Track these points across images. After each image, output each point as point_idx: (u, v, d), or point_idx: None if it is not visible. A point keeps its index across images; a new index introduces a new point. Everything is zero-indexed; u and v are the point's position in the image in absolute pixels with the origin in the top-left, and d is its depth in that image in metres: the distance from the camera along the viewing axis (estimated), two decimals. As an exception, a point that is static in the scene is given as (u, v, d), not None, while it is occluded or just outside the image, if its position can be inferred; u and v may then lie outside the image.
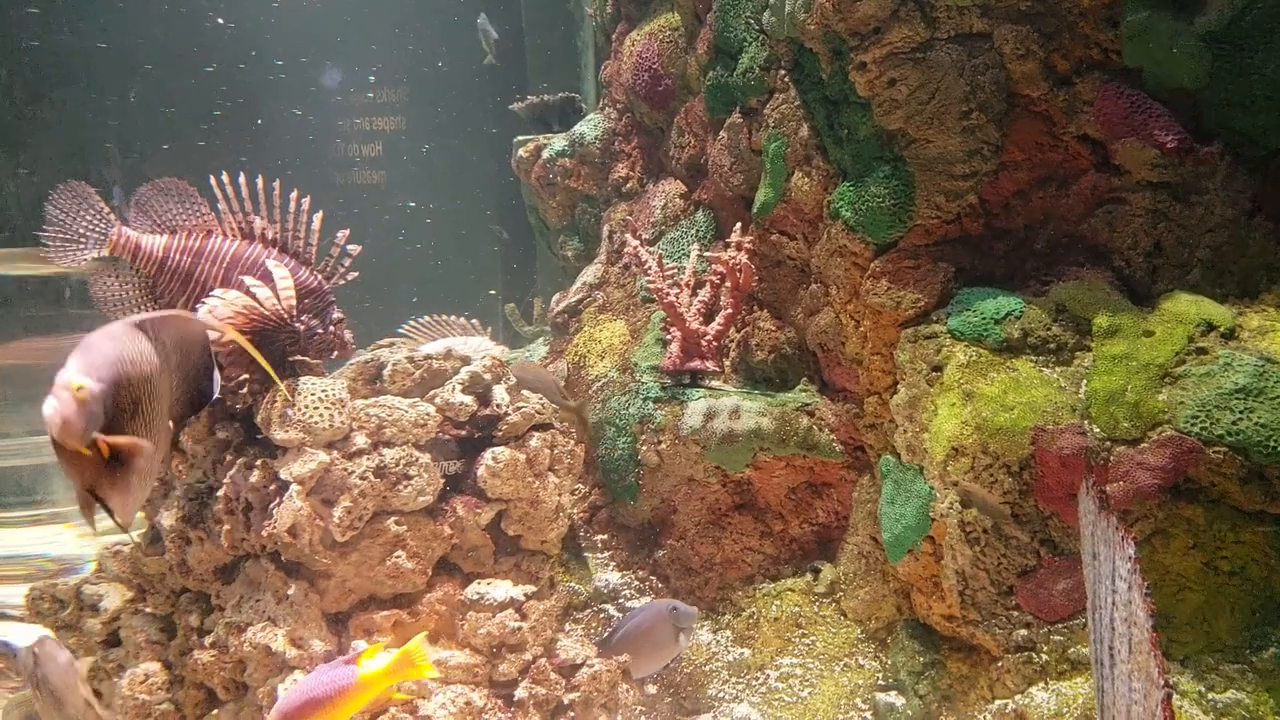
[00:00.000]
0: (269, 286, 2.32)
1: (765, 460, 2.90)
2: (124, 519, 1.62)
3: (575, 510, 3.18)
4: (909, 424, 2.49)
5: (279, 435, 2.27)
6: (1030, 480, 2.22)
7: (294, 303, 2.34)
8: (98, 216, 2.37)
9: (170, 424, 1.71)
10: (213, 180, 2.40)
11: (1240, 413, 2.09)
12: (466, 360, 2.65)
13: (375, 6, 6.68)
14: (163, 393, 1.66)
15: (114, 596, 2.63)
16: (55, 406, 1.46)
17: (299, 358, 2.43)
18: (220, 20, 6.06)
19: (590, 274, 3.93)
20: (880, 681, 2.64)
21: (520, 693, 2.36)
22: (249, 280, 2.32)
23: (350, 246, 2.49)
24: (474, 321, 3.33)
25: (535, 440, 2.56)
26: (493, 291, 6.34)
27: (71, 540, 4.81)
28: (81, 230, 2.37)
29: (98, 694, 2.53)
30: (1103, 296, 2.38)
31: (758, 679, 2.72)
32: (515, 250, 6.72)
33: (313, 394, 2.32)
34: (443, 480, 2.43)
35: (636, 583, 3.03)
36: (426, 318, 4.00)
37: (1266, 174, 2.39)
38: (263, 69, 6.28)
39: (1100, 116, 2.44)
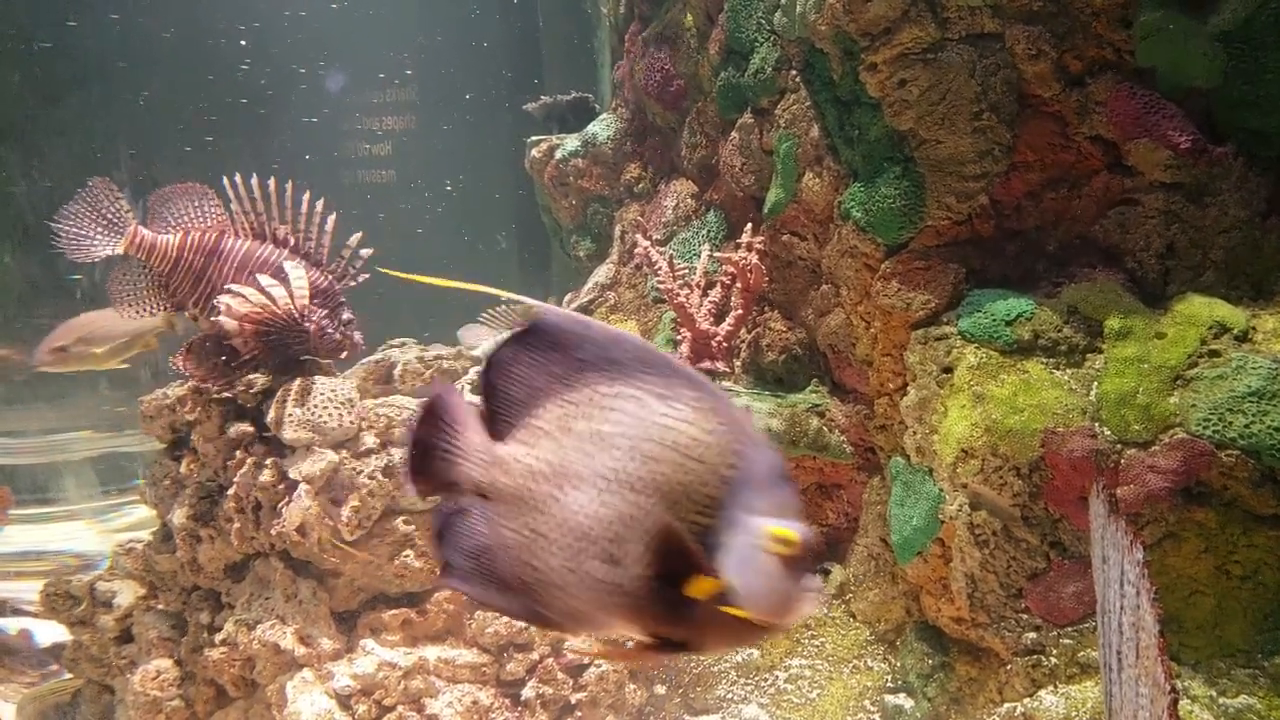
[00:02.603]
0: (284, 286, 2.34)
1: (775, 461, 2.90)
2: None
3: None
4: (919, 425, 2.48)
5: (288, 435, 2.28)
6: (1040, 483, 2.21)
7: (307, 302, 2.36)
8: (116, 215, 2.39)
9: None
10: (225, 181, 2.42)
11: (1253, 416, 2.07)
12: (476, 360, 2.66)
13: (391, 9, 6.70)
14: None
15: (127, 593, 2.66)
16: None
17: (309, 357, 2.45)
18: (243, 42, 6.09)
19: (602, 274, 3.93)
20: (889, 684, 2.63)
21: (527, 692, 2.37)
22: (264, 279, 2.34)
23: (363, 250, 2.51)
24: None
25: (544, 440, 2.56)
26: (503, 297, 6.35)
27: (92, 537, 4.85)
28: (98, 228, 2.40)
29: None
30: (1114, 298, 2.36)
31: (766, 680, 2.72)
32: (516, 255, 6.73)
33: (322, 394, 2.33)
34: (451, 480, 2.43)
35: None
36: (502, 306, 4.05)
37: (1281, 175, 2.37)
38: (278, 72, 6.31)
39: (1113, 117, 2.43)
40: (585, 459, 1.00)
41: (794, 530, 0.93)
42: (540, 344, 1.04)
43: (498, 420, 1.07)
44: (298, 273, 2.37)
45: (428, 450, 1.07)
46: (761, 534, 0.93)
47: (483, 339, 4.39)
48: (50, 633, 3.27)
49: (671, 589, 0.95)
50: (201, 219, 2.43)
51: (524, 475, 1.02)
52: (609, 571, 0.97)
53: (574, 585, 0.99)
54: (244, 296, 2.30)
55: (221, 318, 2.27)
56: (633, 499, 0.97)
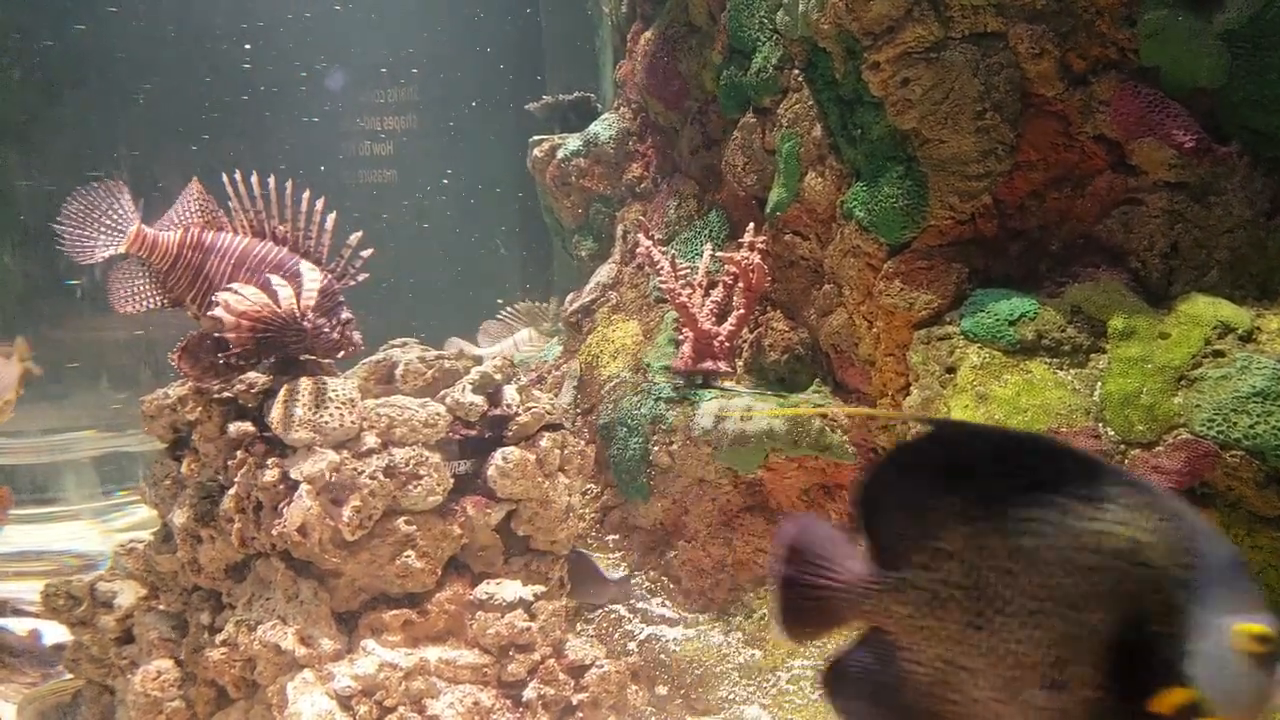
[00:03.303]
0: (292, 287, 2.33)
1: (777, 461, 2.89)
2: None
3: (586, 510, 3.18)
4: (922, 426, 2.48)
5: (289, 434, 2.28)
6: (1043, 483, 2.20)
7: (313, 304, 2.35)
8: (121, 215, 2.39)
9: None
10: (225, 179, 2.41)
11: (1258, 416, 2.06)
12: (478, 360, 2.66)
13: (394, 9, 6.70)
14: None
15: (128, 593, 2.65)
16: None
17: (307, 357, 2.44)
18: (246, 45, 6.08)
19: (604, 274, 3.92)
20: (892, 685, 2.62)
21: (529, 693, 2.36)
22: (274, 279, 2.33)
23: (363, 251, 2.50)
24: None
25: (545, 440, 2.56)
26: (499, 301, 6.36)
27: (95, 537, 4.85)
28: (102, 228, 2.39)
29: None
30: (1118, 298, 2.35)
31: (768, 681, 2.71)
32: (518, 255, 6.73)
33: (323, 393, 2.32)
34: (453, 480, 2.43)
35: (648, 583, 3.02)
36: (525, 304, 4.05)
37: (1286, 174, 2.35)
38: (281, 72, 6.31)
39: (1117, 116, 2.42)
40: (1006, 579, 0.89)
41: (1268, 625, 0.83)
42: (927, 457, 0.95)
43: (883, 544, 0.96)
44: (312, 275, 2.37)
45: (801, 590, 0.97)
46: (1232, 635, 0.83)
47: (498, 337, 4.39)
48: (59, 633, 3.26)
49: (1130, 707, 0.86)
50: (201, 216, 2.43)
51: (930, 603, 0.92)
52: (1052, 699, 0.87)
53: (1008, 717, 0.89)
54: (244, 295, 2.30)
55: (218, 311, 2.26)
56: (1073, 617, 0.87)
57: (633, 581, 2.99)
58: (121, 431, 5.27)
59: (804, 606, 0.97)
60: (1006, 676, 0.88)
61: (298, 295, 2.32)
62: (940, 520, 0.93)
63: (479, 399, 2.50)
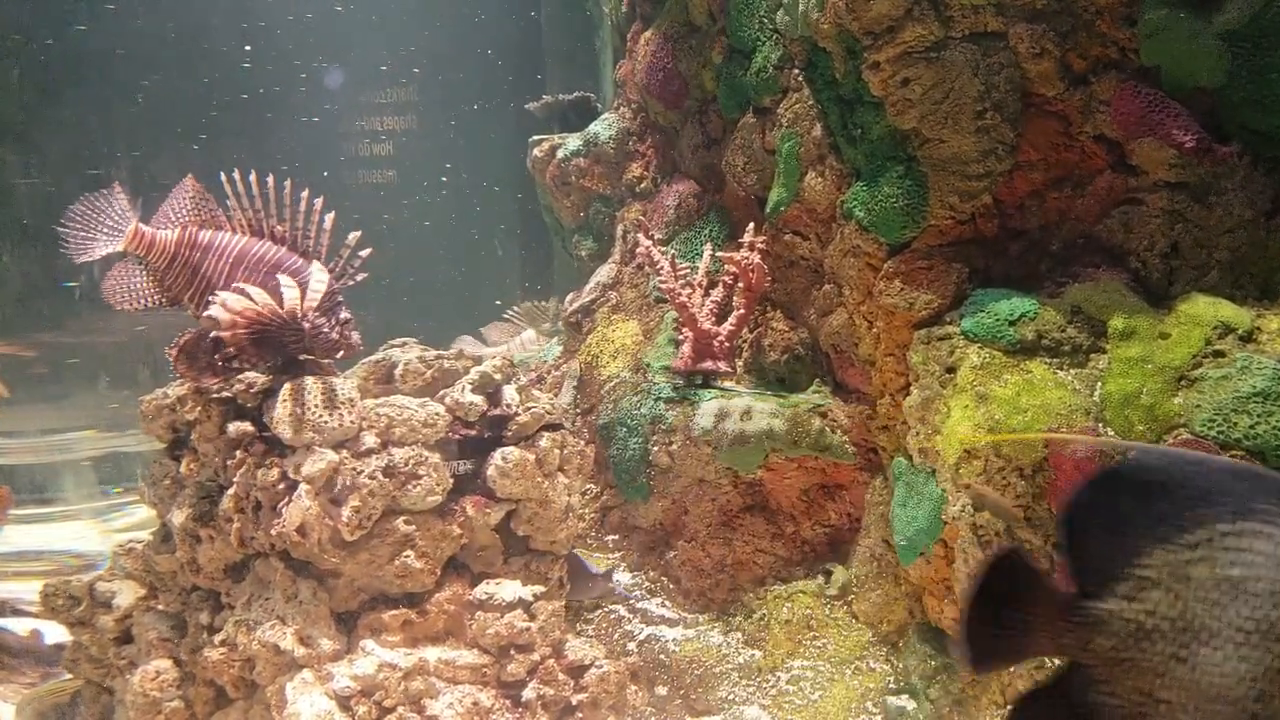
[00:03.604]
0: (298, 288, 2.32)
1: (777, 462, 2.89)
2: None
3: (586, 510, 3.18)
4: (921, 426, 2.47)
5: (288, 434, 2.28)
6: (1043, 483, 2.20)
7: (315, 305, 2.34)
8: (119, 215, 2.39)
9: None
10: (223, 177, 2.41)
11: (1258, 416, 2.06)
12: (477, 360, 2.66)
13: (395, 10, 6.70)
14: None
15: (127, 594, 2.65)
16: None
17: (307, 357, 2.44)
18: (247, 46, 6.08)
19: (604, 274, 3.92)
20: (891, 685, 2.62)
21: (528, 693, 2.36)
22: (283, 280, 2.33)
23: (362, 250, 2.49)
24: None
25: (545, 440, 2.55)
26: (498, 302, 6.36)
27: (94, 537, 4.85)
28: (101, 228, 2.40)
29: None
30: (1118, 298, 2.35)
31: (768, 681, 2.71)
32: (518, 255, 6.74)
33: (322, 393, 2.32)
34: (452, 480, 2.43)
35: (648, 584, 3.02)
36: (528, 304, 4.06)
37: (1286, 174, 2.35)
38: (281, 72, 6.30)
39: (1117, 116, 2.41)
40: (1213, 609, 0.87)
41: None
42: (1134, 484, 0.93)
43: (1084, 572, 0.95)
44: (320, 276, 2.36)
45: (995, 620, 0.95)
46: None
47: (504, 338, 4.38)
48: (59, 633, 3.26)
49: None
50: (198, 214, 2.42)
51: (1131, 634, 0.90)
52: None
53: None
54: (248, 295, 2.29)
55: (214, 310, 2.26)
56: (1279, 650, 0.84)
57: (616, 576, 2.99)
58: (121, 431, 5.27)
59: (997, 636, 0.95)
60: (1206, 710, 0.86)
61: (302, 295, 2.32)
62: (1146, 548, 0.91)
63: (478, 399, 2.50)
